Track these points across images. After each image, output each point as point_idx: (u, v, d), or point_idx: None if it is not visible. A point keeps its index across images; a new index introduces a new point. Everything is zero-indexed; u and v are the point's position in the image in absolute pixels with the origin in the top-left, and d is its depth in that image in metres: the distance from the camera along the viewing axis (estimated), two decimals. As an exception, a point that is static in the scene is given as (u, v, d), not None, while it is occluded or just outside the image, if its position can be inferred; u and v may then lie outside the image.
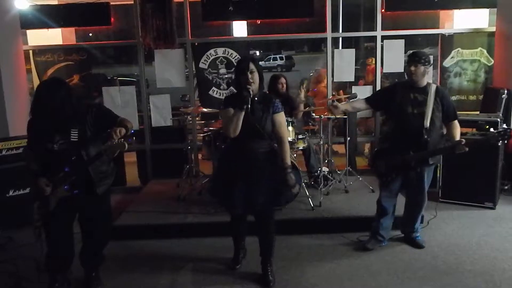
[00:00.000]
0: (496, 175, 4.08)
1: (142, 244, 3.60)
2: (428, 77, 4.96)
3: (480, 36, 5.15)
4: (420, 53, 3.15)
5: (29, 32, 5.71)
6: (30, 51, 5.23)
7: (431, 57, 3.23)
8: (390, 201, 3.33)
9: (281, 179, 2.65)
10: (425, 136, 3.04)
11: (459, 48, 5.15)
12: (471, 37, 5.15)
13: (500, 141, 3.00)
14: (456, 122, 3.17)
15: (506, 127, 2.93)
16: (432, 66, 3.22)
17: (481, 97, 5.10)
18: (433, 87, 3.12)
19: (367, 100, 3.42)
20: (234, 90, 4.96)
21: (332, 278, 2.98)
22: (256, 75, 2.59)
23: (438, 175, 4.41)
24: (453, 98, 5.21)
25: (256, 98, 2.60)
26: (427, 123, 3.04)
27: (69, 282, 2.83)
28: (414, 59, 3.08)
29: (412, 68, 3.08)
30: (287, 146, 2.68)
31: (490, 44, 5.07)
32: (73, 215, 2.74)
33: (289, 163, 2.66)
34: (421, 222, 3.53)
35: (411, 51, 3.28)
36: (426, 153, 3.08)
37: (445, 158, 4.24)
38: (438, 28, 5.90)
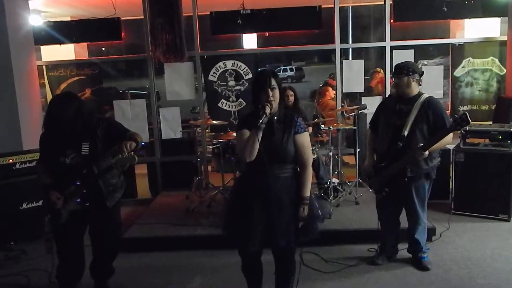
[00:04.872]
0: (511, 186, 3.98)
1: (151, 256, 3.61)
2: (439, 87, 5.00)
3: (492, 45, 5.10)
4: (403, 64, 3.07)
5: (43, 48, 5.87)
6: (44, 66, 5.37)
7: (421, 66, 3.13)
8: (389, 215, 3.22)
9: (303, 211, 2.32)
10: (400, 144, 2.94)
11: (470, 58, 5.10)
12: (482, 47, 5.10)
13: (460, 128, 2.77)
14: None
15: (462, 112, 2.77)
16: (421, 75, 3.07)
17: (493, 106, 5.03)
18: (423, 97, 3.00)
19: (371, 129, 3.34)
20: (243, 102, 5.07)
21: (342, 292, 2.93)
22: (277, 92, 2.26)
23: (450, 186, 4.34)
24: (465, 108, 5.15)
25: (275, 117, 2.29)
26: (405, 131, 2.95)
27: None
28: (396, 70, 3.04)
29: (396, 80, 3.04)
30: (309, 174, 2.35)
31: (502, 53, 5.02)
32: (83, 228, 2.77)
33: (307, 194, 2.33)
34: (428, 240, 3.41)
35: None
36: (399, 162, 2.95)
37: (456, 169, 4.18)
38: (449, 37, 5.86)
